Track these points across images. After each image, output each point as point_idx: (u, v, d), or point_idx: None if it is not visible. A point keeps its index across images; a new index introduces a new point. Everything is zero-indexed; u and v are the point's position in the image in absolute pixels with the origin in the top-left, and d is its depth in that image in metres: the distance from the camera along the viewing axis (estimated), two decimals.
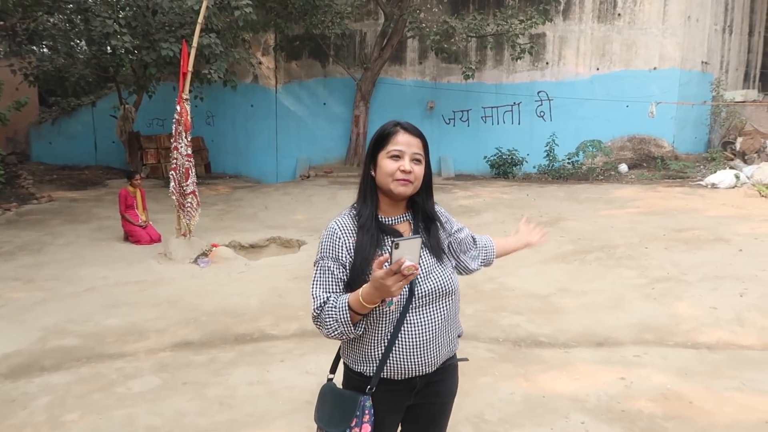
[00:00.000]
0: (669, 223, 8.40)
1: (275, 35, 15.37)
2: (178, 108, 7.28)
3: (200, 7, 7.99)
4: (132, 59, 10.98)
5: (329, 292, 1.74)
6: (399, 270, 1.49)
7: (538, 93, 15.33)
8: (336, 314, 1.68)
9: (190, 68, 7.42)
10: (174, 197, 7.50)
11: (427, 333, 1.79)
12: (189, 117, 7.32)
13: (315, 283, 1.77)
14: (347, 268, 1.76)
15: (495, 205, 10.41)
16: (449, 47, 13.81)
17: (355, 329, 1.70)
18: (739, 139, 14.66)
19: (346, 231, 1.79)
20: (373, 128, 15.41)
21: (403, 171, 1.75)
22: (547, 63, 15.33)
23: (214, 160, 16.21)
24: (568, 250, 7.38)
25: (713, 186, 11.37)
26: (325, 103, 16.06)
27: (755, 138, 14.50)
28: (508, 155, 14.43)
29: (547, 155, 14.19)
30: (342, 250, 1.77)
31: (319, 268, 1.78)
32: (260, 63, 15.58)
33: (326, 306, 1.70)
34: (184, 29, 10.48)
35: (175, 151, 7.40)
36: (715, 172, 12.24)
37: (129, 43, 10.17)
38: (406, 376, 1.81)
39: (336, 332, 1.70)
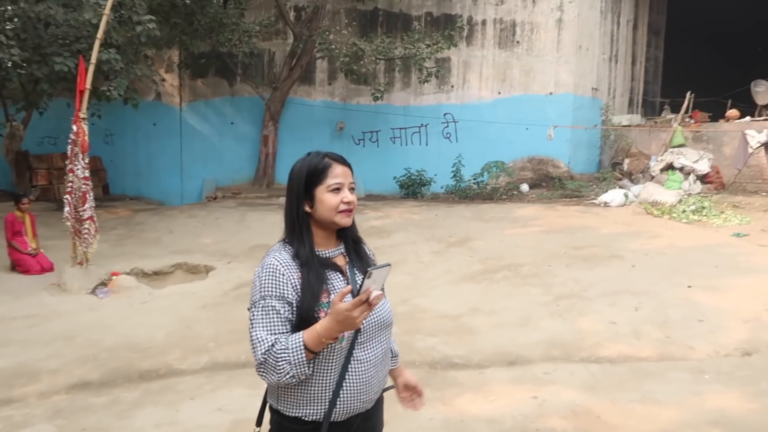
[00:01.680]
0: (569, 241, 8.87)
1: (180, 52, 14.88)
2: (74, 128, 6.83)
3: (99, 20, 7.57)
4: (21, 73, 10.19)
5: (276, 334, 1.63)
6: (367, 300, 1.51)
7: (445, 115, 15.83)
8: (289, 356, 1.59)
9: (88, 85, 6.99)
10: (69, 223, 6.99)
11: (373, 367, 1.76)
12: (86, 137, 6.88)
13: (257, 325, 1.65)
14: (294, 306, 1.67)
15: (405, 225, 10.56)
16: (358, 69, 13.99)
17: (307, 370, 1.63)
18: (627, 160, 15.82)
19: (289, 267, 1.70)
20: (282, 148, 15.24)
21: (346, 202, 1.75)
22: (452, 86, 15.88)
23: (113, 181, 15.35)
24: (477, 270, 7.60)
25: (606, 204, 12.17)
26: (232, 123, 15.70)
27: (640, 159, 15.70)
28: (417, 176, 14.75)
29: (454, 176, 14.63)
30: (287, 287, 1.67)
31: (260, 309, 1.66)
32: (163, 80, 14.98)
33: (274, 349, 1.60)
34: (80, 43, 9.87)
35: (70, 174, 6.91)
36: (606, 191, 13.12)
37: (17, 56, 9.44)
38: (351, 415, 1.74)
39: (287, 375, 1.60)
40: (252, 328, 1.66)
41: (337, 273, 1.76)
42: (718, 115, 15.28)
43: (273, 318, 1.65)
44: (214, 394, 4.19)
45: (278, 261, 1.70)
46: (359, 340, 1.73)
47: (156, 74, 13.22)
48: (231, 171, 15.41)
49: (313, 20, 14.48)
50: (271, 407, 1.80)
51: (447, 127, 15.91)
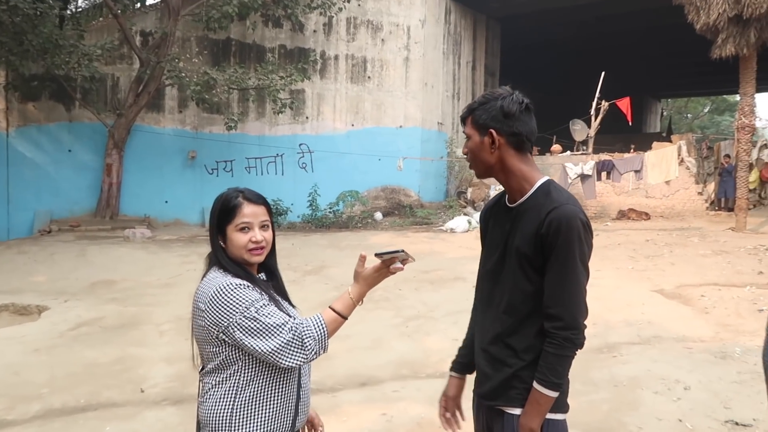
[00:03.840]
0: (418, 266, 9.34)
1: (6, 73, 13.58)
2: None
3: None
4: None
5: (286, 318, 1.69)
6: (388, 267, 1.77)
7: (300, 145, 16.04)
8: (313, 331, 1.68)
9: None
10: None
11: (309, 381, 1.88)
12: None
13: (262, 320, 1.65)
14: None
15: None
16: (210, 98, 13.77)
17: (327, 344, 1.73)
18: (470, 189, 17.13)
19: (245, 284, 1.74)
20: (128, 178, 14.44)
21: (255, 242, 1.78)
22: (307, 117, 16.17)
23: None
24: (332, 297, 7.72)
25: (452, 231, 13.06)
26: (70, 150, 14.57)
27: (481, 188, 17.07)
28: (273, 205, 14.69)
29: (310, 205, 14.83)
30: (258, 294, 1.72)
31: (255, 311, 1.66)
32: None
33: (299, 328, 1.67)
34: None
35: None
36: (452, 218, 14.08)
37: None
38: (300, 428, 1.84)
39: (312, 353, 1.67)
40: (254, 332, 1.65)
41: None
42: (545, 149, 17.14)
43: (273, 309, 1.70)
44: None
45: (232, 280, 1.71)
46: (303, 369, 1.83)
47: None
48: (69, 202, 14.25)
49: (162, 46, 14.03)
50: None
51: (302, 157, 16.11)
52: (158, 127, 15.18)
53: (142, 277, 8.99)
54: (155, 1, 16.81)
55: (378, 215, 15.50)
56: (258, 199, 1.85)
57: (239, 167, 15.66)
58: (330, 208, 14.89)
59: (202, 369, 1.81)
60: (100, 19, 16.11)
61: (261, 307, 1.68)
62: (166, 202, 15.11)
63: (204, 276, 1.81)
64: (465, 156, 1.91)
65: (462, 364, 2.12)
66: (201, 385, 1.80)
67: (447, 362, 5.52)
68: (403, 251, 1.77)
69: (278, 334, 1.65)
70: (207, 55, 15.15)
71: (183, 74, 13.41)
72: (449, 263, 9.57)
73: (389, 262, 1.78)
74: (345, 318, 1.77)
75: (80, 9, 18.01)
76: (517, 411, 1.78)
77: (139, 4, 16.30)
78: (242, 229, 1.78)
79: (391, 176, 16.01)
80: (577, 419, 3.94)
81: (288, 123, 16.00)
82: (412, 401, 4.53)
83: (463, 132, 1.88)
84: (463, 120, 1.86)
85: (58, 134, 14.53)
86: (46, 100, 14.37)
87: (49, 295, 7.86)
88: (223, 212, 1.80)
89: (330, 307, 1.78)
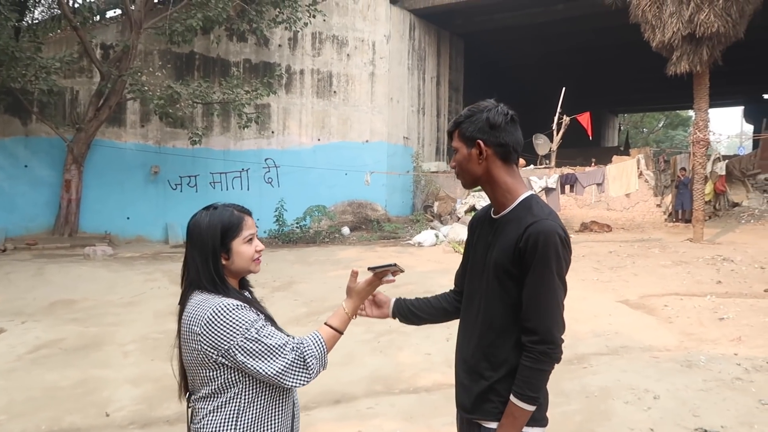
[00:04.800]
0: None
1: None
2: None
3: None
4: None
5: (286, 339, 1.70)
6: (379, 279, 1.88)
7: (266, 160, 15.91)
8: (314, 351, 1.71)
9: None
10: None
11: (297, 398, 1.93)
12: None
13: (264, 341, 1.65)
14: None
15: None
16: (174, 112, 13.56)
17: (326, 362, 1.77)
18: (436, 203, 17.24)
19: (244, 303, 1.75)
20: (88, 193, 14.07)
21: (259, 251, 1.84)
22: (273, 132, 16.07)
23: None
24: (302, 313, 7.69)
25: (419, 244, 13.10)
26: (26, 166, 14.12)
27: (447, 202, 17.22)
28: None
29: (277, 220, 14.69)
30: (255, 314, 1.73)
31: (255, 332, 1.66)
32: None
33: (299, 348, 1.68)
34: None
35: None
36: (420, 232, 14.14)
37: None
38: None
39: (314, 372, 1.70)
40: (257, 354, 1.65)
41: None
42: None
43: (272, 329, 1.71)
44: None
45: (229, 301, 1.70)
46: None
47: None
48: (25, 219, 13.78)
49: (123, 60, 13.77)
50: None
51: (268, 172, 15.98)
52: (120, 141, 14.86)
53: (103, 296, 8.73)
54: (116, 14, 16.53)
55: (345, 230, 15.45)
56: (249, 211, 1.89)
57: (204, 182, 15.42)
58: (297, 223, 14.78)
59: (191, 395, 1.75)
60: (59, 31, 15.75)
61: (261, 327, 1.67)
62: (128, 218, 14.76)
63: (186, 299, 1.75)
64: (453, 169, 1.94)
65: (402, 307, 2.14)
66: (193, 411, 1.75)
67: (420, 377, 5.54)
68: (395, 264, 1.85)
69: (281, 355, 1.66)
70: (170, 68, 14.94)
71: (146, 88, 13.17)
72: (419, 277, 9.59)
73: (381, 275, 1.86)
74: (341, 333, 1.82)
75: (37, 20, 17.55)
76: (493, 425, 1.79)
77: (99, 17, 15.98)
78: (249, 241, 1.81)
79: (357, 191, 16.01)
80: (551, 431, 3.98)
81: (253, 138, 15.87)
82: (386, 417, 4.49)
83: (451, 146, 1.90)
84: (450, 134, 1.90)
85: (13, 149, 14.07)
86: (1, 114, 13.93)
87: (5, 316, 7.55)
88: (229, 229, 1.79)
89: (326, 323, 1.82)
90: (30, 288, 9.06)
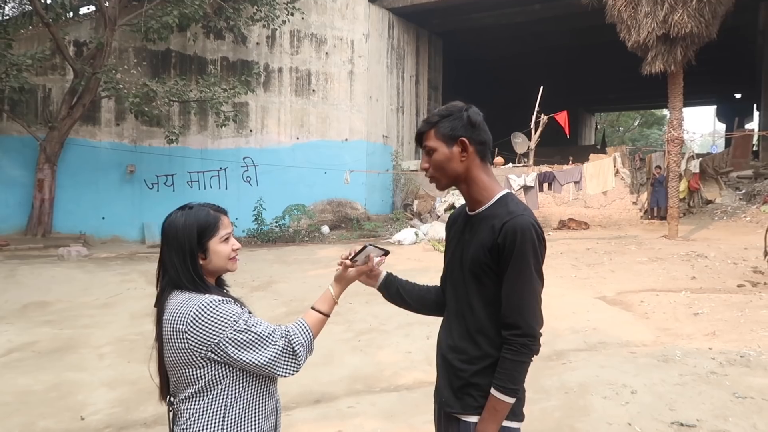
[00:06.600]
0: None
1: None
2: None
3: None
4: None
5: (273, 326, 1.73)
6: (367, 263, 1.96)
7: (244, 159, 15.78)
8: (302, 338, 1.72)
9: None
10: None
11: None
12: None
13: (254, 331, 1.67)
14: None
15: None
16: (150, 110, 13.37)
17: (312, 348, 1.79)
18: (416, 202, 17.28)
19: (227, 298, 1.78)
20: (62, 193, 13.81)
21: (235, 249, 1.85)
22: (251, 131, 15.94)
23: None
24: (281, 313, 7.63)
25: (400, 243, 13.10)
26: None
27: (427, 200, 17.26)
28: None
29: (256, 219, 14.57)
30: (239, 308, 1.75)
31: (244, 322, 1.68)
32: None
33: (288, 335, 1.70)
34: None
35: None
36: (400, 230, 14.14)
37: None
38: None
39: (302, 360, 1.72)
40: (247, 344, 1.66)
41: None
42: None
43: (258, 319, 1.72)
44: None
45: (212, 297, 1.70)
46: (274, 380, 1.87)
47: None
48: None
49: (97, 57, 13.52)
50: None
51: (247, 170, 15.85)
52: (94, 140, 14.61)
53: (78, 297, 8.57)
54: (90, 11, 16.24)
55: (325, 228, 15.39)
56: (224, 210, 1.89)
57: (181, 181, 15.23)
58: (276, 222, 14.68)
59: (174, 397, 1.73)
60: (30, 27, 15.40)
61: (248, 318, 1.70)
62: (103, 218, 14.51)
63: (164, 299, 1.73)
64: (424, 171, 1.92)
65: (390, 286, 2.16)
66: (176, 414, 1.73)
67: (401, 375, 5.52)
68: (370, 245, 1.92)
69: (272, 343, 1.68)
70: (146, 66, 14.73)
71: (121, 86, 12.96)
72: (399, 275, 9.58)
73: (366, 260, 1.95)
74: (328, 316, 1.85)
75: (8, 17, 17.15)
76: (472, 419, 1.81)
77: (72, 13, 15.68)
78: (225, 240, 1.81)
79: (337, 189, 15.96)
80: (530, 427, 3.99)
81: (231, 136, 15.72)
82: (367, 417, 4.48)
83: (423, 147, 1.88)
84: (422, 135, 1.87)
85: None
86: None
87: None
88: (206, 228, 1.79)
89: (312, 307, 1.84)
90: (1, 290, 8.86)
